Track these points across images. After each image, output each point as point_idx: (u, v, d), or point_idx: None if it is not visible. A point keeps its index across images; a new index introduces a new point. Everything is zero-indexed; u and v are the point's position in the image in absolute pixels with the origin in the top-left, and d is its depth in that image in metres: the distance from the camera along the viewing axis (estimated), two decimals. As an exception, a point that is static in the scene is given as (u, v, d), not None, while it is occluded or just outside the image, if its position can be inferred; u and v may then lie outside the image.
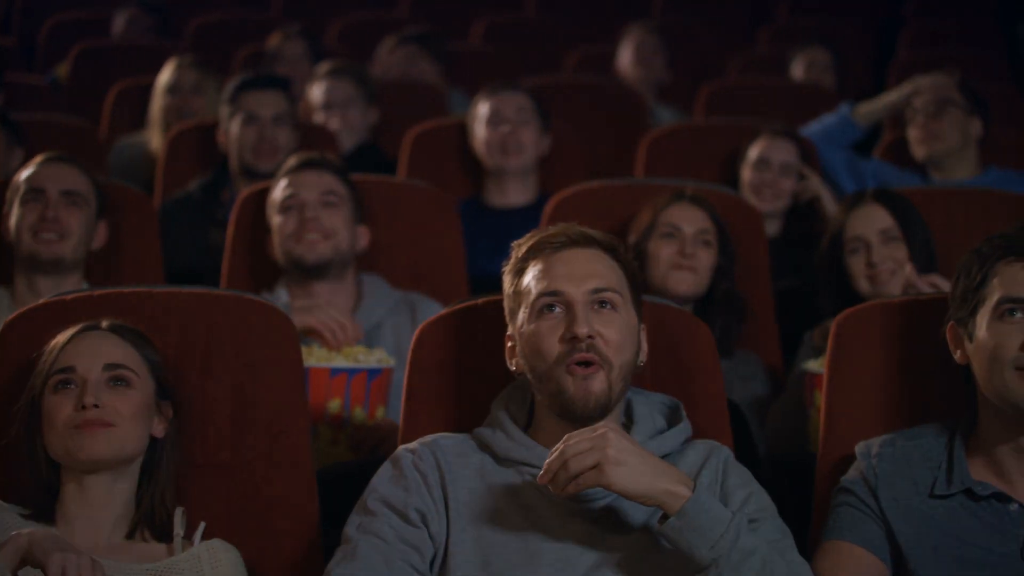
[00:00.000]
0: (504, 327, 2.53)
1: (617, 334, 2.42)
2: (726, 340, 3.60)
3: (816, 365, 3.27)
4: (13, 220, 3.49)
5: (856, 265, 3.58)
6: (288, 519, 2.65)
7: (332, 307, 3.44)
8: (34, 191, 3.48)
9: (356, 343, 3.33)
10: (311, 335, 3.36)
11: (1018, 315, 2.44)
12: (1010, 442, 2.48)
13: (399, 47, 6.02)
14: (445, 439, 2.50)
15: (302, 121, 4.75)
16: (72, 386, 2.49)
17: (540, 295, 2.44)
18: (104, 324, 2.57)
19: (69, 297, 2.70)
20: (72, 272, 3.50)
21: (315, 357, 3.22)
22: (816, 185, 4.37)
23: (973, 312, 2.48)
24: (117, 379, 2.50)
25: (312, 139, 4.57)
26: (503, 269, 2.52)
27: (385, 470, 2.46)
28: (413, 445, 2.48)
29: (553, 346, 2.41)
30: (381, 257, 3.75)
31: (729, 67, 6.44)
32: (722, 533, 2.26)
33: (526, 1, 7.57)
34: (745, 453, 2.68)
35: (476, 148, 4.53)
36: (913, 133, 4.63)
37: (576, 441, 2.28)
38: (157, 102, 5.13)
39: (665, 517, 2.28)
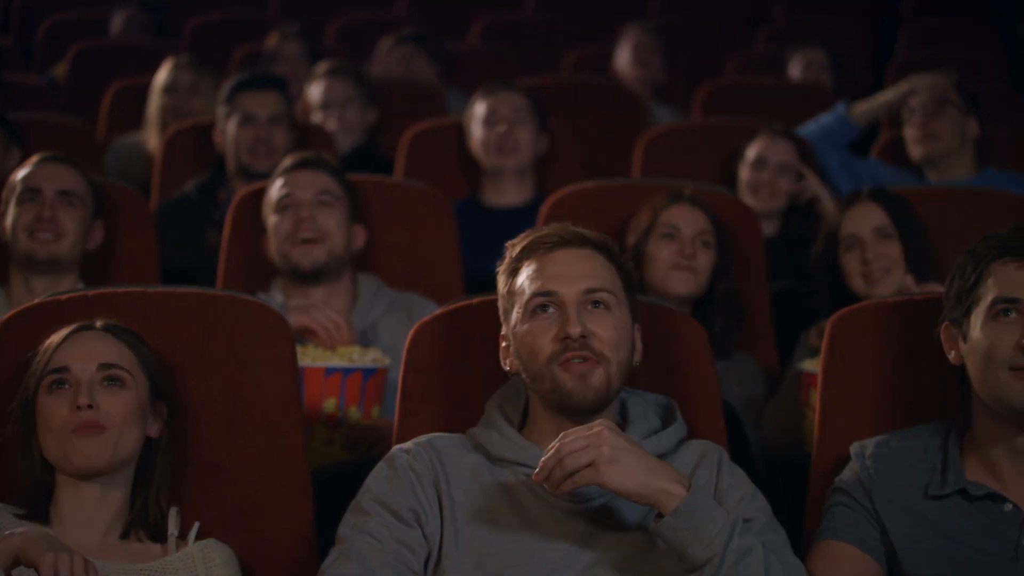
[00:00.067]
0: (499, 327, 2.53)
1: (611, 333, 2.42)
2: (725, 340, 3.61)
3: (812, 365, 3.27)
4: (9, 220, 3.49)
5: (851, 263, 3.59)
6: (283, 519, 2.65)
7: (328, 307, 3.45)
8: (30, 191, 3.48)
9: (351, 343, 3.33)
10: (306, 335, 3.36)
11: (1012, 315, 2.44)
12: (1004, 442, 2.48)
13: (397, 47, 6.02)
14: (440, 439, 2.50)
15: (299, 121, 4.75)
16: (66, 386, 2.48)
17: (533, 295, 2.44)
18: (98, 324, 2.57)
19: (64, 297, 2.70)
20: (68, 272, 3.50)
21: (310, 357, 3.23)
22: (815, 185, 4.37)
23: (967, 312, 2.48)
24: (111, 379, 2.50)
25: (309, 139, 4.57)
26: (497, 269, 2.53)
27: (379, 470, 2.46)
28: (408, 445, 2.49)
29: (546, 345, 2.41)
30: (377, 257, 3.75)
31: (727, 67, 6.43)
32: (717, 533, 2.26)
33: (524, 1, 7.57)
34: (739, 453, 2.68)
35: (473, 148, 4.54)
36: (910, 132, 4.63)
37: (572, 439, 2.28)
38: (154, 102, 5.13)
39: (660, 516, 2.28)
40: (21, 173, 3.51)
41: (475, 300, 2.69)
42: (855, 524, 2.50)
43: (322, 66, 5.22)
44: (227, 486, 2.65)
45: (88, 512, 2.50)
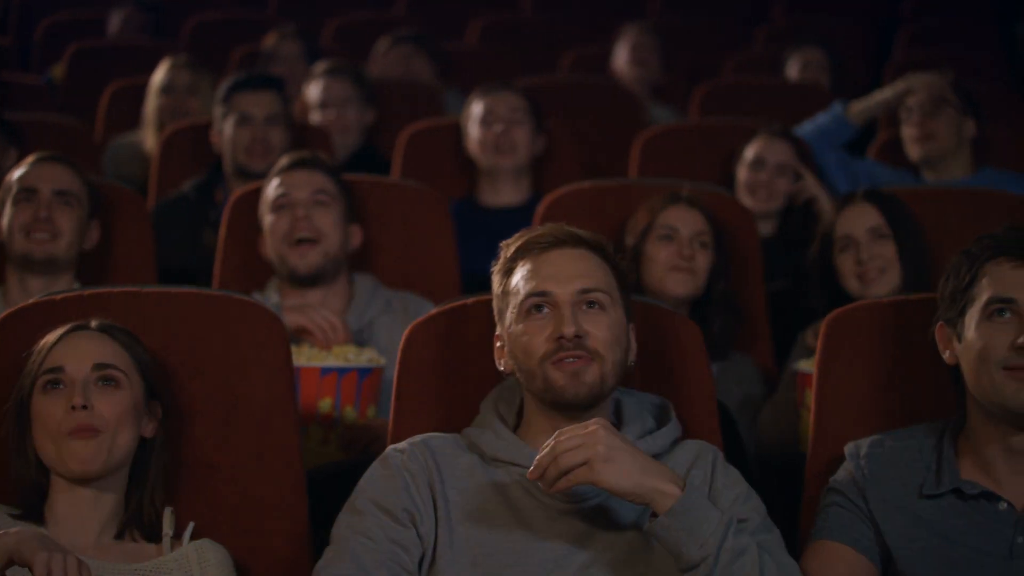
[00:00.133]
0: (494, 327, 2.53)
1: (605, 332, 2.42)
2: (723, 341, 3.61)
3: (808, 365, 3.27)
4: (5, 220, 3.49)
5: (845, 263, 3.59)
6: (278, 519, 2.65)
7: (324, 307, 3.44)
8: (26, 191, 3.48)
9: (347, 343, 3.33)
10: (302, 334, 3.36)
11: (1007, 315, 2.44)
12: (999, 442, 2.48)
13: (395, 47, 6.02)
14: (434, 439, 2.50)
15: (297, 121, 4.75)
16: (61, 386, 2.48)
17: (528, 295, 2.44)
18: (93, 324, 2.56)
19: (59, 297, 2.70)
20: (64, 272, 3.50)
21: (305, 356, 3.22)
22: (812, 185, 4.37)
23: (962, 312, 2.48)
24: (106, 379, 2.50)
25: (307, 139, 4.57)
26: (492, 269, 2.53)
27: (374, 470, 2.46)
28: (402, 445, 2.48)
29: (540, 345, 2.41)
30: (374, 257, 3.75)
31: (725, 67, 6.43)
32: (711, 532, 2.26)
33: (522, 1, 7.57)
34: (732, 454, 2.68)
35: (470, 148, 4.53)
36: (908, 132, 4.63)
37: (567, 437, 2.28)
38: (151, 102, 5.12)
39: (655, 516, 2.28)
40: (17, 173, 3.52)
41: (470, 300, 2.69)
42: (849, 524, 2.50)
43: (320, 66, 5.22)
44: (222, 486, 2.65)
45: (83, 512, 2.50)
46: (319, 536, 2.60)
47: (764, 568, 2.28)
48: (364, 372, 3.24)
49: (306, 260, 3.53)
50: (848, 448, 2.57)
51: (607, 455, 2.26)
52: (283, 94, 4.58)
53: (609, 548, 2.38)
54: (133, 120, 5.26)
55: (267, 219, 3.59)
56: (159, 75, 5.17)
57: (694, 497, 2.28)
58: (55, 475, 2.50)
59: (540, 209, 3.78)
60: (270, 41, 5.92)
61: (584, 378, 2.40)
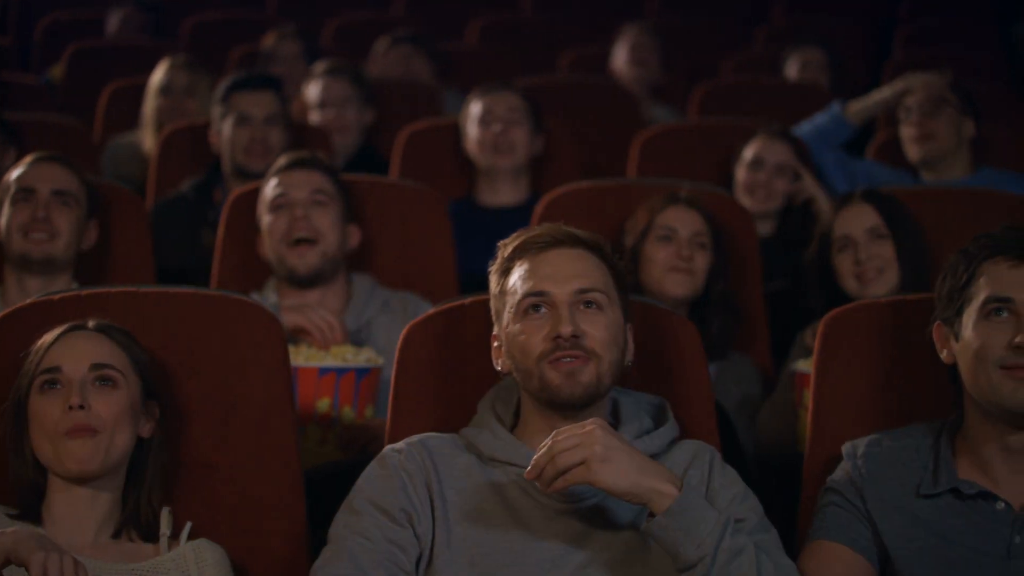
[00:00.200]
0: (491, 327, 2.53)
1: (603, 332, 2.42)
2: (722, 341, 3.61)
3: (806, 365, 3.27)
4: (3, 220, 3.49)
5: (844, 264, 3.59)
6: (275, 519, 2.65)
7: (322, 307, 3.44)
8: (24, 191, 3.48)
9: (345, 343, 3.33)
10: (300, 335, 3.36)
11: (1004, 314, 2.44)
12: (996, 441, 2.48)
13: (394, 47, 6.02)
14: (432, 439, 2.50)
15: (296, 121, 4.75)
16: (58, 386, 2.48)
17: (525, 295, 2.44)
18: (91, 324, 2.56)
19: (57, 297, 2.70)
20: (62, 272, 3.50)
21: (303, 356, 3.23)
22: (811, 185, 4.37)
23: (959, 311, 2.48)
24: (103, 379, 2.50)
25: (306, 139, 4.57)
26: (490, 269, 2.53)
27: (371, 470, 2.46)
28: (400, 445, 2.48)
29: (537, 344, 2.41)
30: (372, 257, 3.75)
31: (724, 67, 6.43)
32: (708, 532, 2.26)
33: (522, 1, 7.57)
34: (730, 454, 2.68)
35: (468, 148, 4.54)
36: (907, 132, 4.62)
37: (564, 437, 2.28)
38: (150, 102, 5.13)
39: (652, 516, 2.28)
40: (16, 173, 3.51)
41: (467, 300, 2.69)
42: (847, 524, 2.50)
43: (320, 66, 5.22)
44: (220, 486, 2.65)
45: (80, 512, 2.50)
46: (317, 536, 2.60)
47: (761, 568, 2.28)
48: (362, 372, 3.24)
49: (304, 260, 3.53)
50: (845, 448, 2.57)
51: (604, 455, 2.26)
52: (282, 94, 4.58)
53: (606, 548, 2.38)
54: (132, 120, 5.26)
55: (265, 219, 3.59)
56: (158, 75, 5.17)
57: (691, 497, 2.28)
58: (52, 475, 2.50)
59: (539, 209, 3.78)
60: (269, 41, 5.92)
61: (580, 378, 2.40)
